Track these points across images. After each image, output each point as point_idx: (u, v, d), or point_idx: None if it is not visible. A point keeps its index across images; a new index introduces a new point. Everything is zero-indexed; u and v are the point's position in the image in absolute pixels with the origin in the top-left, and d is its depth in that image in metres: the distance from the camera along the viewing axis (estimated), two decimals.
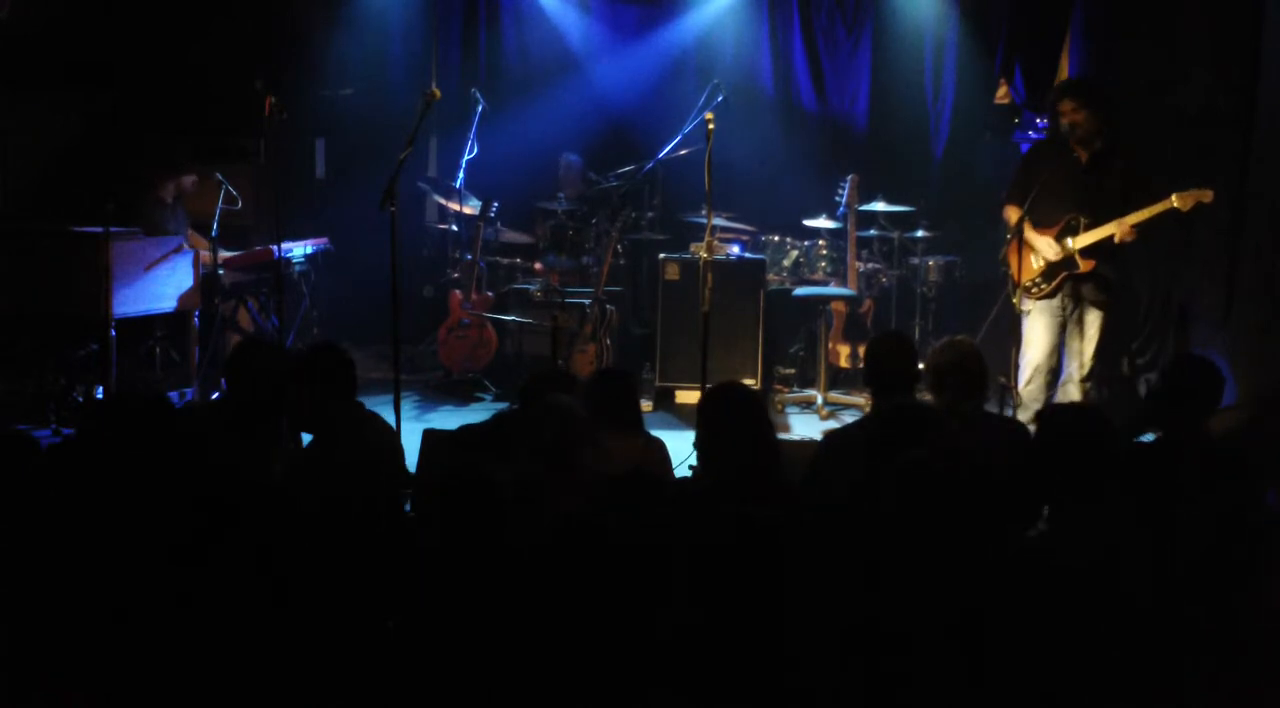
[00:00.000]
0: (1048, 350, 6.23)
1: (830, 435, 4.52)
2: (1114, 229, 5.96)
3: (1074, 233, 6.10)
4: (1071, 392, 6.25)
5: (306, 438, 4.47)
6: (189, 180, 7.39)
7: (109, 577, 3.12)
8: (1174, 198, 5.85)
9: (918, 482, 3.10)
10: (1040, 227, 6.17)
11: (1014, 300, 6.25)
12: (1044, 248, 6.16)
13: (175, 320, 7.08)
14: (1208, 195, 5.81)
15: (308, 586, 3.10)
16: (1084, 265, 6.09)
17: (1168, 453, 3.56)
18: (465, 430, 4.72)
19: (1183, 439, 3.89)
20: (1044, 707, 2.91)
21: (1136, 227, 5.94)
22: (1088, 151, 6.15)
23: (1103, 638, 2.93)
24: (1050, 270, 6.18)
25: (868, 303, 7.92)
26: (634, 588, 2.89)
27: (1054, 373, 6.28)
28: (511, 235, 8.46)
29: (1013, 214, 6.27)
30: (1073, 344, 6.27)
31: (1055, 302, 6.21)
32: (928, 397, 4.55)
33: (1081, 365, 6.23)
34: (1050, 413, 3.81)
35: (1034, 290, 6.22)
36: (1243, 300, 6.24)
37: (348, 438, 4.21)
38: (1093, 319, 6.23)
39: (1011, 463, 3.82)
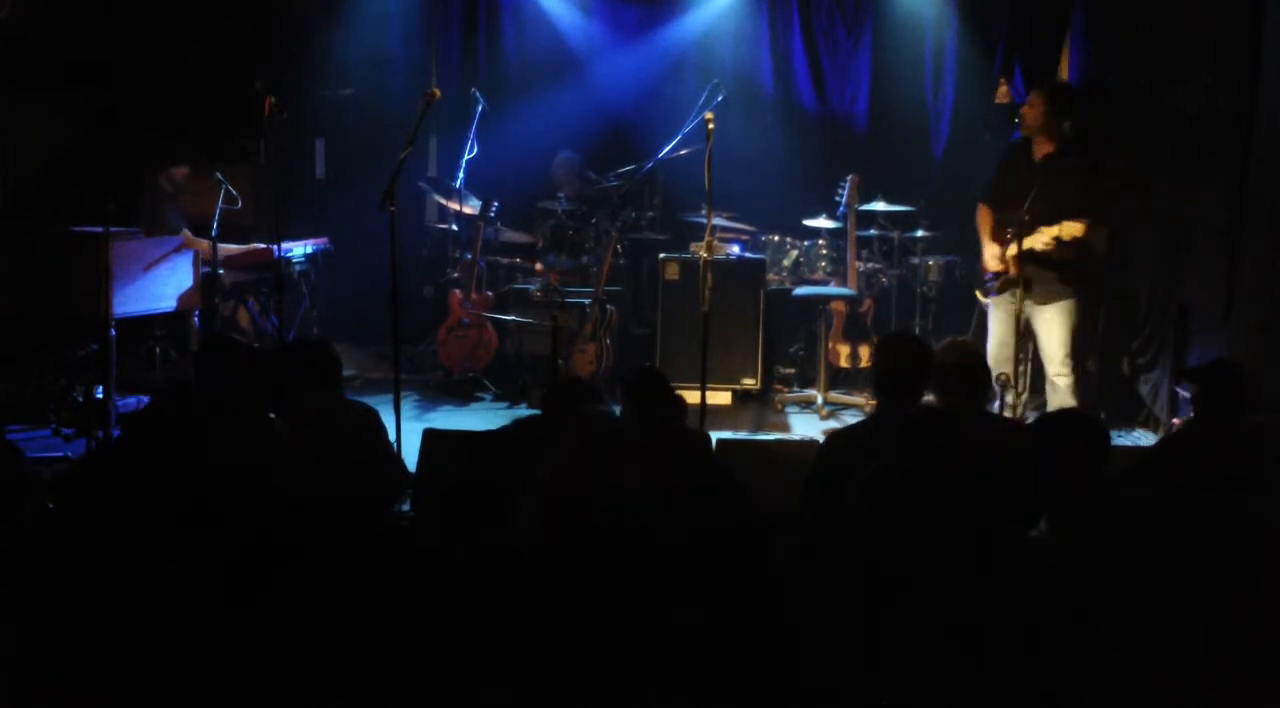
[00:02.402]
0: (998, 344, 6.30)
1: (832, 436, 4.51)
2: (1033, 242, 5.97)
3: (1007, 240, 6.16)
4: (1054, 393, 6.30)
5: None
6: (180, 172, 7.37)
7: (110, 577, 3.12)
8: (1059, 228, 5.95)
9: (935, 482, 3.10)
10: (997, 227, 6.28)
11: (977, 293, 6.42)
12: (987, 251, 6.29)
13: (175, 320, 7.08)
14: (1079, 230, 5.92)
15: (302, 583, 3.11)
16: (1014, 270, 6.08)
17: (1189, 453, 3.56)
18: (482, 436, 4.72)
19: (1215, 445, 3.88)
20: (1045, 707, 2.91)
21: (1061, 240, 5.97)
22: (1040, 153, 6.20)
23: (1102, 638, 2.93)
24: (995, 272, 6.29)
25: (868, 303, 7.92)
26: (639, 588, 2.89)
27: (1015, 368, 6.31)
28: (512, 235, 8.46)
29: (983, 213, 6.39)
30: (1041, 348, 6.33)
31: (1007, 298, 6.24)
32: (929, 397, 4.55)
33: (1052, 363, 6.27)
34: (1042, 422, 3.80)
35: (987, 288, 6.34)
36: (1243, 300, 6.23)
37: (326, 427, 4.21)
38: (1047, 318, 6.23)
39: (1012, 463, 3.82)
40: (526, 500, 3.18)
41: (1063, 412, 5.12)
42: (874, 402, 7.21)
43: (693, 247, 7.75)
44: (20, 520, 3.55)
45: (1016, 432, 4.47)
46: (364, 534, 3.32)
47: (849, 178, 7.57)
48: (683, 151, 7.68)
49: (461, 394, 7.80)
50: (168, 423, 3.61)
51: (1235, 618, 2.99)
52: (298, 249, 7.65)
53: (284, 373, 4.34)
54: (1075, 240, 6.01)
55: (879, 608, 2.95)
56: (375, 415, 4.63)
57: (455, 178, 8.03)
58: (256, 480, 3.46)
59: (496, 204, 8.01)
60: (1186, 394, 5.96)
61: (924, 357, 4.34)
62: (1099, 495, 3.34)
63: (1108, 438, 3.50)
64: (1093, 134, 6.35)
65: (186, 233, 7.19)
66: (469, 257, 7.94)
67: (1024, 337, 6.28)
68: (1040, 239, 5.98)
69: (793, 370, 8.08)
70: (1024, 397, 6.28)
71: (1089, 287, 6.37)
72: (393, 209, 5.64)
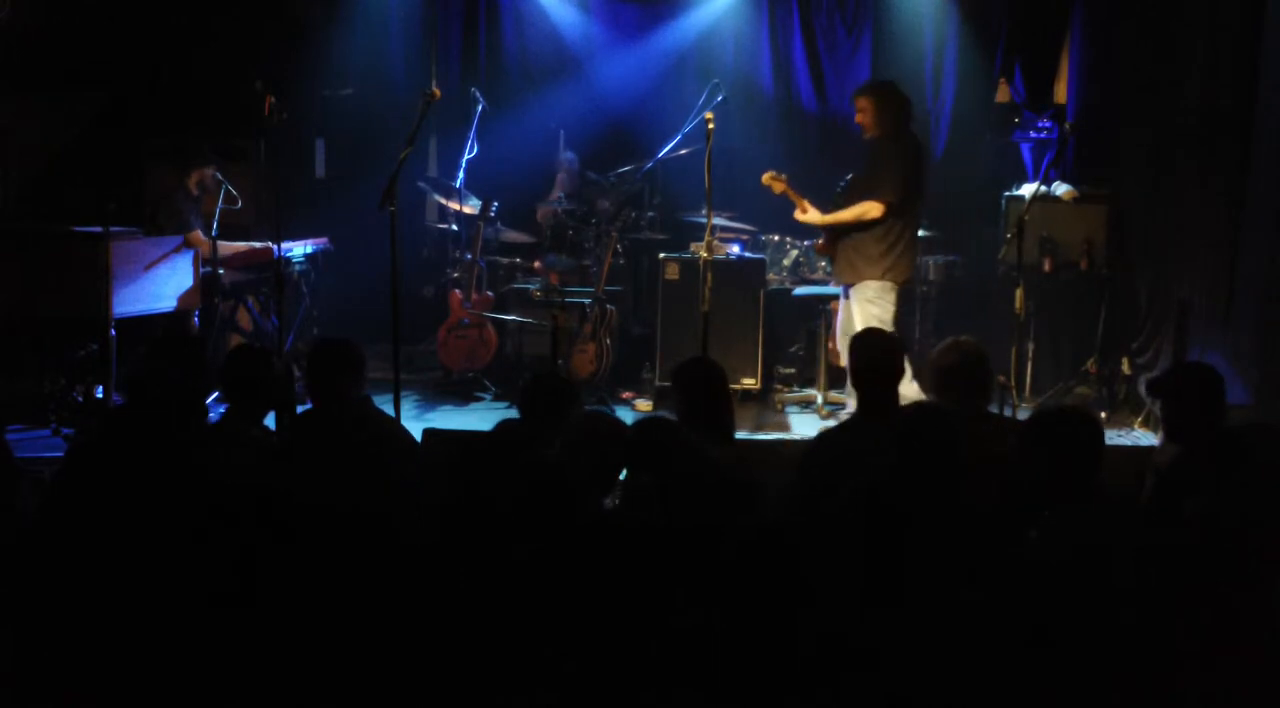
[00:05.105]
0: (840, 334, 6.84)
1: (823, 435, 4.50)
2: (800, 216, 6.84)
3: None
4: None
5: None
6: (210, 173, 7.34)
7: (110, 579, 3.12)
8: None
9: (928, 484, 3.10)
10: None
11: None
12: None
13: (175, 320, 7.07)
14: (849, 214, 6.57)
15: (309, 589, 3.11)
16: (820, 245, 6.96)
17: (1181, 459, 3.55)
18: (475, 437, 4.70)
19: (1195, 448, 3.86)
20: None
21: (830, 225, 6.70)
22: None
23: (1098, 640, 2.93)
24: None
25: None
26: (644, 589, 2.89)
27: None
28: (512, 235, 8.46)
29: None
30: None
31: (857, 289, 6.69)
32: (928, 395, 4.54)
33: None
34: (1041, 416, 3.79)
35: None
36: (1243, 300, 6.24)
37: (357, 426, 4.22)
38: (849, 301, 6.66)
39: (1012, 463, 3.81)
40: (516, 495, 3.18)
41: (1056, 408, 5.12)
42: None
43: (693, 247, 7.75)
44: (17, 520, 3.55)
45: (1015, 431, 4.47)
46: (366, 539, 3.31)
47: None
48: (683, 151, 7.68)
49: (461, 394, 7.80)
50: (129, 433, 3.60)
51: (1231, 619, 2.98)
52: (298, 249, 7.65)
53: (285, 380, 4.34)
54: (867, 225, 6.51)
55: (877, 608, 2.95)
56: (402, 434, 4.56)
57: (455, 178, 8.03)
58: (242, 487, 3.45)
59: (496, 204, 8.01)
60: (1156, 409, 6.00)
61: (895, 351, 4.48)
62: (1095, 495, 3.33)
63: (1102, 434, 3.48)
64: (895, 126, 6.62)
65: (197, 234, 7.17)
66: (469, 257, 7.94)
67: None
68: (808, 216, 6.79)
69: (793, 370, 8.07)
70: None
71: (889, 274, 6.53)
72: (393, 209, 5.63)
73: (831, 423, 7.10)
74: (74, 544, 3.25)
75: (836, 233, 6.69)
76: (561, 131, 8.81)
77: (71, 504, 3.49)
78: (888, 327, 6.41)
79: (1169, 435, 4.23)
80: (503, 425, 3.88)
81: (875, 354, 4.42)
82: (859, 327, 6.51)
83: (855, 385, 4.57)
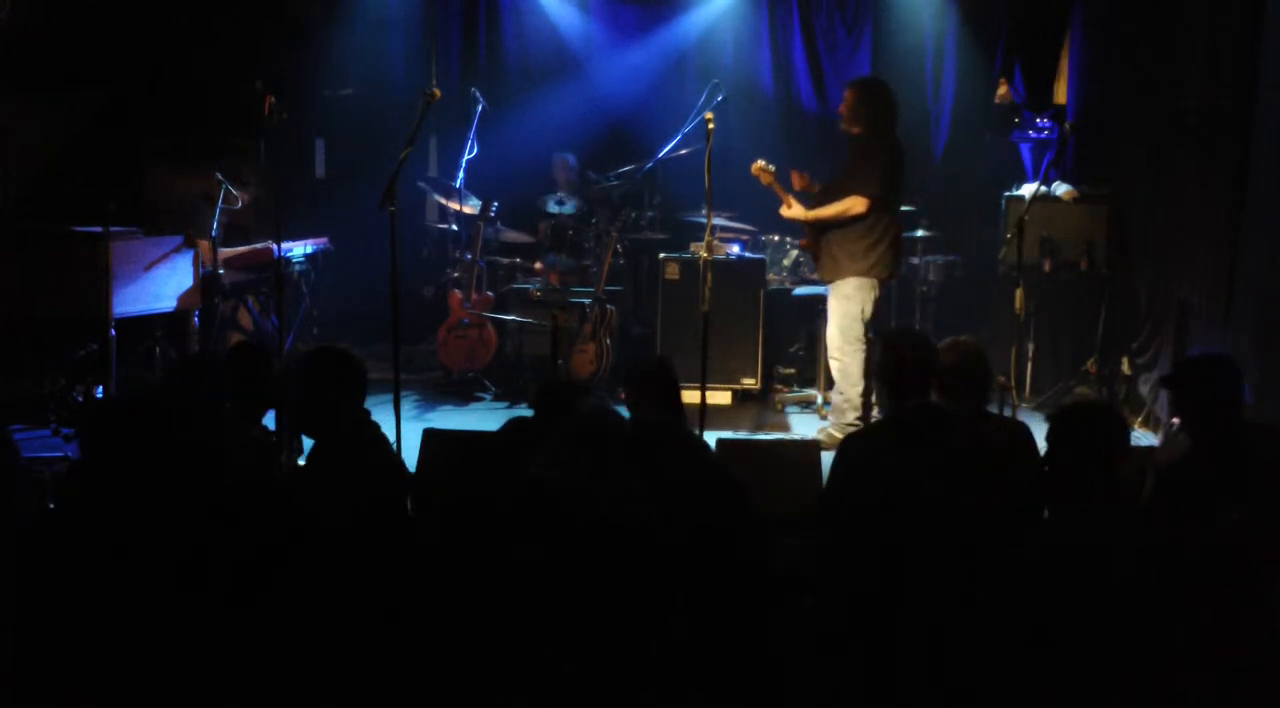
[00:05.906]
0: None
1: (850, 438, 4.48)
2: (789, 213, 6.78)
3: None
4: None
5: (307, 445, 4.46)
6: (214, 176, 7.34)
7: (115, 580, 3.12)
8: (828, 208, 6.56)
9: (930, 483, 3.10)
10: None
11: None
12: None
13: (175, 320, 7.08)
14: (833, 210, 6.51)
15: (312, 590, 3.11)
16: (803, 241, 6.92)
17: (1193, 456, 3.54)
18: (476, 440, 4.69)
19: (1206, 443, 3.84)
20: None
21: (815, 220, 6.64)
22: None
23: (1100, 640, 2.93)
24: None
25: None
26: (644, 589, 2.89)
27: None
28: (512, 235, 8.46)
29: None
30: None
31: (838, 284, 6.68)
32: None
33: (831, 343, 6.64)
34: (1065, 410, 3.76)
35: None
36: (1243, 300, 6.23)
37: (353, 445, 4.18)
38: (831, 299, 6.63)
39: (1013, 463, 3.82)
40: (515, 496, 3.18)
41: (1082, 404, 5.10)
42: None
43: (693, 247, 7.75)
44: (17, 520, 3.55)
45: (1019, 431, 4.47)
46: (367, 539, 3.31)
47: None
48: (683, 151, 7.68)
49: (461, 394, 7.80)
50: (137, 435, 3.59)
51: (1231, 619, 2.98)
52: (298, 249, 7.65)
53: (285, 380, 4.33)
54: (851, 221, 6.48)
55: (879, 609, 2.95)
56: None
57: (455, 178, 8.03)
58: (247, 489, 3.45)
59: (496, 204, 8.01)
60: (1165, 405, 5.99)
61: (926, 352, 4.34)
62: (1106, 493, 3.32)
63: (1127, 434, 3.45)
64: (879, 124, 6.61)
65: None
66: (469, 257, 7.94)
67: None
68: (793, 211, 6.73)
69: (793, 370, 8.08)
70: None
71: (873, 270, 6.55)
72: (393, 209, 5.63)
73: (827, 423, 7.10)
74: (73, 544, 3.25)
75: (821, 229, 6.67)
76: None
77: (70, 504, 3.48)
78: (861, 323, 6.49)
79: (1185, 427, 4.20)
80: (512, 424, 3.89)
81: (906, 354, 4.36)
82: (833, 322, 6.57)
83: (883, 386, 4.53)
